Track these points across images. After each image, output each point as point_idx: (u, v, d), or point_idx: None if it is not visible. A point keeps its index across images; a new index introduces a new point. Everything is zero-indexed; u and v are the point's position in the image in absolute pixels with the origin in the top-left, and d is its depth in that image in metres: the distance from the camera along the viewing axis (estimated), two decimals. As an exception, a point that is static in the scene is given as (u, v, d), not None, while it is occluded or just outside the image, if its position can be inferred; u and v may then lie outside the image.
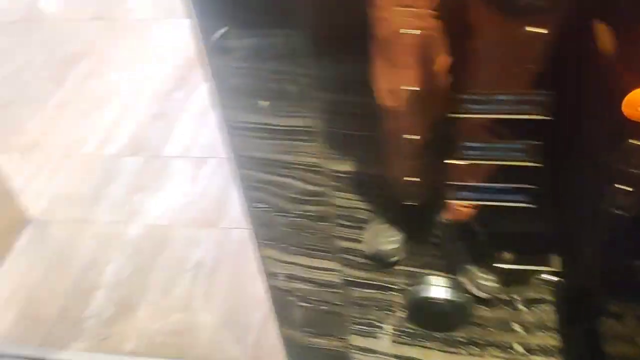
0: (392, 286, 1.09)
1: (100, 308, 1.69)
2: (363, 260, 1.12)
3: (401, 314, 1.04)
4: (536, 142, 0.73)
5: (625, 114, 0.64)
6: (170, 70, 2.49)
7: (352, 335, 1.08)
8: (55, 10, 3.06)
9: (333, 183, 1.07)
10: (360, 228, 1.08)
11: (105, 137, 2.26)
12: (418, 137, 0.80)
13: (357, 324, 1.08)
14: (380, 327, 1.05)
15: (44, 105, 2.48)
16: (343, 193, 1.07)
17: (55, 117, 2.41)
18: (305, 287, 1.17)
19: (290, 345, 1.23)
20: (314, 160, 1.07)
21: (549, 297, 0.96)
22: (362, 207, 1.07)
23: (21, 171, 2.16)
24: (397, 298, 1.06)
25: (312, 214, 1.11)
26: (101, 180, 2.09)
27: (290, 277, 1.19)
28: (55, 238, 1.94)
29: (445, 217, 0.95)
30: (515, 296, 0.99)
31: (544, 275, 0.90)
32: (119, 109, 2.37)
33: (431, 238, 1.03)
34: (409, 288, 0.97)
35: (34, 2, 3.13)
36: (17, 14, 3.04)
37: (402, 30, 0.72)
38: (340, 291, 1.13)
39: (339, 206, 1.08)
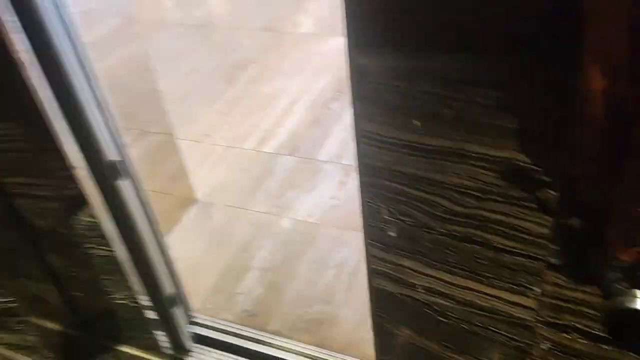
0: (537, 317, 1.04)
1: (250, 287, 1.77)
2: (510, 286, 1.07)
3: (543, 345, 1.00)
4: None
5: None
6: (329, 82, 2.54)
7: (494, 358, 1.05)
8: (229, 19, 3.22)
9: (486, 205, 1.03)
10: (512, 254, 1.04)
11: (265, 135, 2.36)
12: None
13: (499, 349, 1.05)
14: (525, 354, 1.02)
15: (215, 101, 2.62)
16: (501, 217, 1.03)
17: (224, 113, 2.55)
18: (446, 302, 1.15)
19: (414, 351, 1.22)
20: (462, 181, 1.04)
21: None
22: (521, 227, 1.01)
23: (192, 157, 2.30)
24: (541, 330, 1.02)
25: (457, 234, 1.08)
26: (259, 174, 2.18)
27: (430, 291, 1.16)
28: (216, 219, 2.05)
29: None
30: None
31: None
32: (279, 113, 2.46)
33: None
34: (613, 299, 0.89)
35: (209, 11, 3.31)
36: (194, 20, 3.24)
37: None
38: (481, 312, 1.10)
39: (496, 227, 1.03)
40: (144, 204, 1.40)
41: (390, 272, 1.18)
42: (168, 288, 1.53)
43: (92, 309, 1.63)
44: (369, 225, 1.13)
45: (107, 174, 1.29)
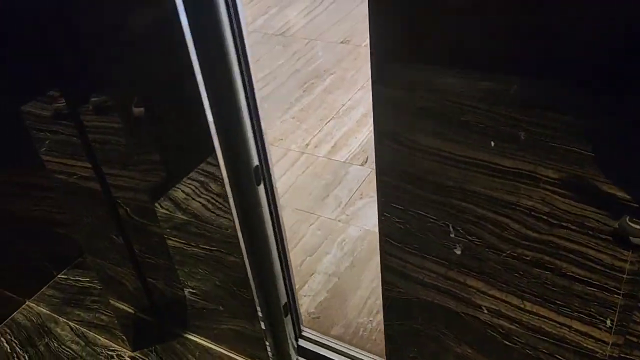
0: (607, 350, 1.01)
1: (315, 291, 1.78)
2: (580, 315, 1.04)
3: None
4: None
5: None
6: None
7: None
8: (307, 31, 3.25)
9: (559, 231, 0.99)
10: (587, 282, 1.00)
11: (338, 144, 2.37)
12: None
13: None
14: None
15: (290, 107, 2.66)
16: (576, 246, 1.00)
17: (299, 119, 2.58)
18: (511, 326, 1.12)
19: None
20: (535, 205, 1.01)
21: None
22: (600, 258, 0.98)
23: (265, 160, 2.34)
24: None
25: (527, 258, 1.06)
26: (329, 181, 2.19)
27: (495, 313, 1.14)
28: (285, 222, 2.06)
29: None
30: None
31: None
32: (353, 123, 2.47)
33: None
34: None
35: (288, 22, 3.36)
36: (274, 30, 3.30)
37: None
38: (548, 339, 1.07)
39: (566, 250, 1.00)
40: (276, 211, 1.36)
41: (454, 290, 1.17)
42: (283, 297, 1.50)
43: (165, 296, 1.67)
44: (383, 231, 1.11)
45: (248, 178, 1.25)
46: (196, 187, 1.31)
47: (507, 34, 0.85)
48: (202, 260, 1.48)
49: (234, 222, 1.31)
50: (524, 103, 0.90)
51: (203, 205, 1.33)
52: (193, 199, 1.35)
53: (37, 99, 1.38)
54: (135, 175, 1.40)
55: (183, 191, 1.36)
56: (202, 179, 1.30)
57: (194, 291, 1.60)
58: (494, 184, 1.00)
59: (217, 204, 1.33)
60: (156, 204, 1.44)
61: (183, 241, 1.47)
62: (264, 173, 1.28)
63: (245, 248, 1.36)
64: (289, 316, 1.54)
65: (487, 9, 0.84)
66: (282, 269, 1.45)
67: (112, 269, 1.69)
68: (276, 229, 1.39)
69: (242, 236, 1.34)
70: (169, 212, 1.43)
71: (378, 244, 1.85)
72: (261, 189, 1.29)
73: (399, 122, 1.03)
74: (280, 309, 1.50)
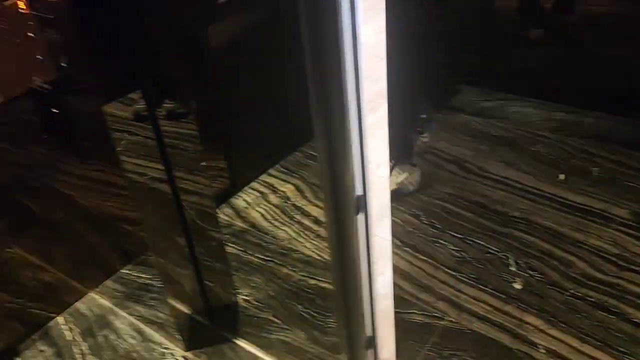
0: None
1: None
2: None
3: None
4: None
5: None
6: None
7: None
8: (375, 50, 3.24)
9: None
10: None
11: (400, 165, 2.35)
12: None
13: None
14: None
15: (356, 125, 2.64)
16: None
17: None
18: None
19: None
20: (604, 245, 0.97)
21: None
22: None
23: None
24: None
25: (592, 300, 1.01)
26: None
27: (552, 353, 1.09)
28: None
29: None
30: None
31: None
32: (416, 145, 2.44)
33: None
34: None
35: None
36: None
37: None
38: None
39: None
40: (369, 242, 1.33)
41: (509, 325, 1.12)
42: (369, 330, 1.41)
43: (219, 300, 1.69)
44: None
45: (348, 206, 1.15)
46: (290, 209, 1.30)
47: (586, 66, 0.82)
48: (257, 269, 1.49)
49: (330, 249, 1.29)
50: (599, 137, 0.86)
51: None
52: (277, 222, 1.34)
53: (117, 100, 1.43)
54: (202, 181, 1.43)
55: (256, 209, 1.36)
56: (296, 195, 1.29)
57: (247, 298, 1.61)
58: (562, 219, 0.97)
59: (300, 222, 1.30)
60: (219, 210, 1.46)
61: (242, 248, 1.48)
62: (363, 203, 1.23)
63: (336, 278, 1.32)
64: (371, 349, 1.49)
65: (563, 41, 0.82)
66: (370, 301, 1.41)
67: (172, 268, 1.72)
68: (370, 261, 1.35)
69: (335, 264, 1.30)
70: (229, 219, 1.45)
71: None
72: (360, 219, 1.24)
73: (467, 148, 1.01)
74: (364, 342, 1.46)
